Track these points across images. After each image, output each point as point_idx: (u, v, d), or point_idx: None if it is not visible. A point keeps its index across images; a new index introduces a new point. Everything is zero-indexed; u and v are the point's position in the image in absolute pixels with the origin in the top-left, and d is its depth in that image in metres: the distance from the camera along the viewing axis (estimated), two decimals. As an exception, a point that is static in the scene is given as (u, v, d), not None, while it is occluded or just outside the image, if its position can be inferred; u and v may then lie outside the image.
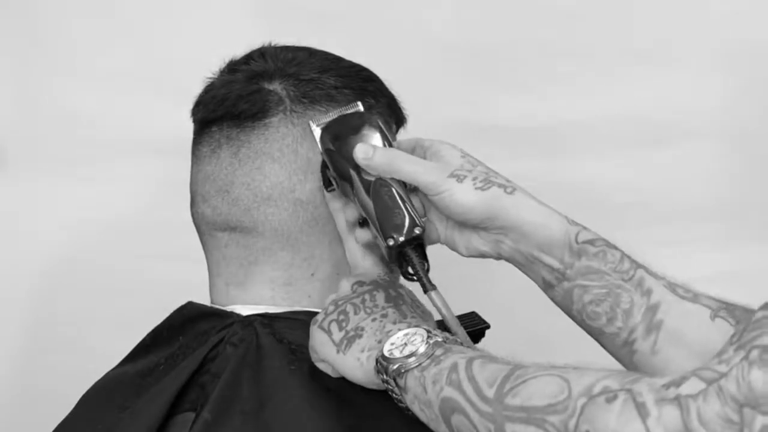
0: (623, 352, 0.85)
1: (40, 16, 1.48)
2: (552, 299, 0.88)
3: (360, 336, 0.84)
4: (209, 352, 0.91)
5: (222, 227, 0.95)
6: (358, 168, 0.88)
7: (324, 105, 0.93)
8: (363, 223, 0.91)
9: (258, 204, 0.93)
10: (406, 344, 0.79)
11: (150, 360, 0.96)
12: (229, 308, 0.95)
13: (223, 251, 0.96)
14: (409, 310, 0.86)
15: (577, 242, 0.84)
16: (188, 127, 1.00)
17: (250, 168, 0.93)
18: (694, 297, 0.84)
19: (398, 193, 0.88)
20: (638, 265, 0.84)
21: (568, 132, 1.42)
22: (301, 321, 0.91)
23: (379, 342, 0.82)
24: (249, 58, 0.97)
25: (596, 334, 0.86)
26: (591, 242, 0.84)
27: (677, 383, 0.63)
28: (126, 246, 1.49)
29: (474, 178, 0.85)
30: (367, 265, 0.92)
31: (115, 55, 1.47)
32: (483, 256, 0.89)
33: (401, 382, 0.78)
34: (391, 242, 0.86)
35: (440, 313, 0.85)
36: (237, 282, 0.95)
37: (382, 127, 0.92)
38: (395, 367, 0.78)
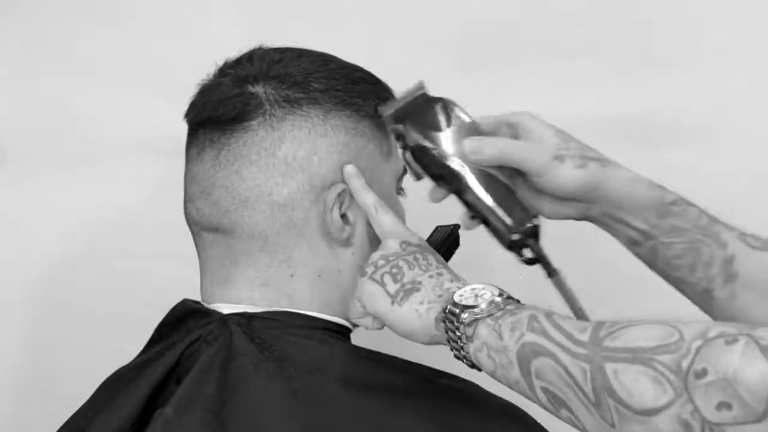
0: (703, 298, 0.92)
1: (40, 16, 1.48)
2: (636, 254, 0.94)
3: (418, 289, 0.86)
4: (186, 349, 0.93)
5: (206, 228, 0.97)
6: (461, 162, 0.90)
7: (306, 108, 0.94)
8: (474, 215, 0.92)
9: (236, 206, 0.94)
10: (476, 296, 0.81)
11: (148, 355, 0.98)
12: (212, 306, 0.96)
13: (208, 251, 0.97)
14: (459, 275, 0.89)
15: (662, 204, 0.91)
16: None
17: (229, 171, 0.94)
18: (764, 245, 0.90)
19: (509, 186, 0.91)
20: (714, 220, 0.92)
21: (569, 132, 1.42)
22: (279, 321, 0.93)
23: (440, 296, 0.84)
24: (239, 60, 0.98)
25: (677, 283, 0.93)
26: (674, 203, 0.91)
27: None
28: (126, 246, 1.49)
29: (573, 157, 0.90)
30: (402, 231, 0.94)
31: (115, 54, 1.47)
32: (567, 218, 0.94)
33: (469, 330, 0.80)
34: (516, 237, 0.89)
35: (565, 295, 0.87)
36: (219, 281, 0.97)
37: (464, 109, 0.94)
38: (467, 314, 0.80)
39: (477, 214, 0.91)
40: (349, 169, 0.94)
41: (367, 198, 0.95)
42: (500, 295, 0.81)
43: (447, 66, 1.41)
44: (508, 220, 0.89)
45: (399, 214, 1.02)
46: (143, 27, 1.47)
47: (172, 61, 1.44)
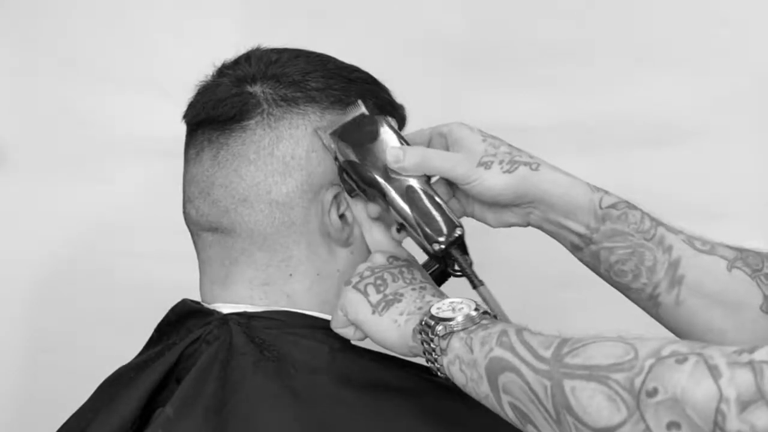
0: (649, 305, 0.91)
1: (40, 16, 1.48)
2: (580, 260, 0.93)
3: (399, 300, 0.87)
4: (186, 348, 0.93)
5: (206, 228, 0.97)
6: (386, 175, 0.91)
7: (303, 107, 0.94)
8: (400, 227, 0.93)
9: (235, 205, 0.94)
10: (453, 309, 0.81)
11: (148, 354, 0.98)
12: (212, 306, 0.96)
13: (207, 251, 0.98)
14: (441, 292, 0.89)
15: (601, 207, 0.90)
16: (187, 127, 1.00)
17: (228, 170, 0.94)
18: (711, 249, 0.90)
19: (431, 196, 0.91)
20: (658, 223, 0.90)
21: (568, 132, 1.42)
22: (278, 321, 0.93)
23: (419, 309, 0.85)
24: (237, 61, 0.98)
25: (623, 289, 0.92)
26: (614, 206, 0.90)
27: (750, 350, 0.64)
28: (126, 246, 1.49)
29: (500, 162, 0.89)
30: (391, 247, 0.95)
31: (115, 55, 1.47)
32: (512, 225, 0.94)
33: (443, 343, 0.80)
34: (436, 247, 0.90)
35: (489, 307, 0.87)
36: (219, 281, 0.97)
37: (395, 127, 0.94)
38: (441, 327, 0.80)
39: (400, 225, 0.93)
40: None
41: (361, 210, 0.96)
42: (476, 309, 0.81)
43: (447, 66, 1.42)
44: (428, 231, 0.90)
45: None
46: (143, 27, 1.47)
47: (172, 61, 1.44)
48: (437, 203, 0.91)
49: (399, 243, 0.97)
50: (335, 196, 0.95)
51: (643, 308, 0.92)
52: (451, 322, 0.80)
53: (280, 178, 0.93)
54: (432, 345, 0.81)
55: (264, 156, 0.93)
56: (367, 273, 0.90)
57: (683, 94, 1.38)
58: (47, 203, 1.49)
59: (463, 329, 0.80)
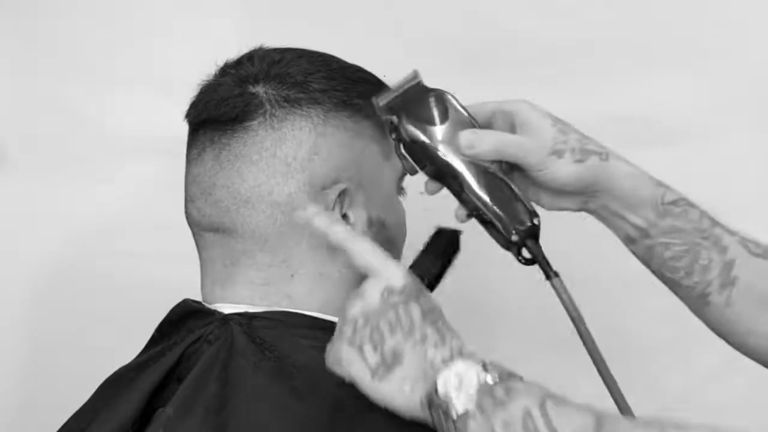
0: (698, 302, 0.91)
1: (41, 16, 1.48)
2: (632, 252, 0.93)
3: (400, 363, 0.80)
4: (187, 348, 0.93)
5: (207, 228, 0.97)
6: (460, 158, 0.88)
7: (306, 108, 0.94)
8: (471, 213, 0.90)
9: (237, 206, 0.94)
10: (461, 382, 0.76)
11: (149, 354, 0.98)
12: (213, 306, 0.96)
13: (209, 251, 0.98)
14: (445, 329, 0.82)
15: (663, 203, 0.90)
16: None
17: (230, 171, 0.94)
18: (764, 252, 0.90)
19: (509, 183, 0.89)
20: (715, 223, 0.91)
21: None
22: (279, 321, 0.93)
23: (424, 374, 0.79)
24: (240, 61, 0.98)
25: (672, 285, 0.92)
26: (675, 203, 0.90)
27: None
28: (126, 246, 1.49)
29: (572, 150, 0.88)
30: (380, 264, 0.86)
31: (115, 54, 1.47)
32: (566, 210, 0.93)
33: (460, 424, 0.75)
34: (515, 237, 0.88)
35: (561, 298, 0.86)
36: (221, 281, 0.97)
37: (460, 102, 0.91)
38: (453, 412, 0.75)
39: (473, 211, 0.90)
40: (311, 210, 0.89)
41: (338, 232, 0.87)
42: (485, 369, 0.77)
43: (447, 66, 1.41)
44: (507, 220, 0.88)
45: (399, 215, 1.02)
46: (143, 27, 1.47)
47: (173, 61, 1.44)
48: (513, 190, 0.89)
49: (388, 254, 0.88)
50: (339, 195, 0.95)
51: (690, 305, 0.92)
52: (461, 408, 0.75)
53: (282, 179, 0.93)
54: (445, 426, 0.76)
55: (266, 157, 0.93)
56: (361, 322, 0.82)
57: (683, 94, 1.38)
58: (47, 203, 1.49)
59: (477, 407, 0.75)
